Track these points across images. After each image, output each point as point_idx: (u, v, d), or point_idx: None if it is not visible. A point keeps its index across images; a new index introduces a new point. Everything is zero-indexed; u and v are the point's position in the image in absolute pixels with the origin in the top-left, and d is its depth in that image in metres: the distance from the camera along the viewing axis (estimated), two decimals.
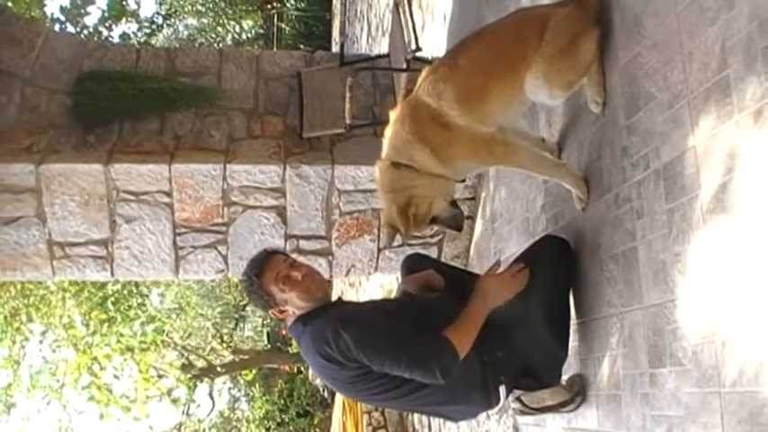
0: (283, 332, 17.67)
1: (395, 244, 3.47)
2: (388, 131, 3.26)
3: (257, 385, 18.26)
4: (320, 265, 5.20)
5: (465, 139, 3.16)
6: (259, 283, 3.05)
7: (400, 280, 3.60)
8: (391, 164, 3.20)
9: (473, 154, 3.23)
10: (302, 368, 15.21)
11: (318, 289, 3.12)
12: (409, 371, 2.83)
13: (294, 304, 3.04)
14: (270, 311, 3.09)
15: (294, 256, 3.80)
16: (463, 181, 4.00)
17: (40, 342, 13.00)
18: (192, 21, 22.77)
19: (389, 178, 3.21)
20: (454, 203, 3.33)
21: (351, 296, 10.92)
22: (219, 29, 22.26)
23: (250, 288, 3.09)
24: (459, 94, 3.10)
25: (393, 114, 3.28)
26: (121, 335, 12.85)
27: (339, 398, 9.55)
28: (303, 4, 18.13)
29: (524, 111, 3.54)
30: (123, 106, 5.31)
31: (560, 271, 3.37)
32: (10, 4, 9.55)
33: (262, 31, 21.30)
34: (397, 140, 3.20)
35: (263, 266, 3.09)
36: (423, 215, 3.22)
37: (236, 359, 18.28)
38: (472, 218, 5.27)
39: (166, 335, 16.12)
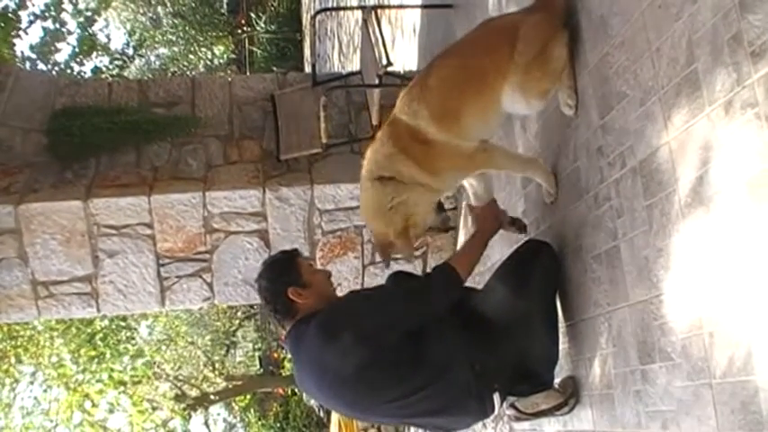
0: (275, 355, 17.62)
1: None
2: (368, 153, 3.18)
3: (252, 410, 18.16)
4: None
5: (447, 154, 3.10)
6: (293, 257, 3.24)
7: None
8: (375, 179, 3.12)
9: (457, 166, 3.19)
10: (296, 390, 15.14)
11: (332, 294, 3.29)
12: (426, 303, 3.04)
13: (315, 291, 3.11)
14: (289, 289, 3.06)
15: None
16: None
17: (31, 383, 12.91)
18: (163, 50, 22.77)
19: (376, 196, 3.12)
20: (440, 206, 3.36)
21: None
22: (191, 56, 22.25)
23: (281, 258, 3.27)
24: (433, 113, 3.04)
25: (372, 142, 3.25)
26: (112, 370, 12.78)
27: (335, 417, 9.51)
28: (273, 27, 18.14)
29: (503, 121, 3.53)
30: (99, 141, 5.30)
31: (546, 275, 3.37)
32: None
33: (234, 55, 21.29)
34: (378, 156, 3.12)
35: (300, 253, 3.36)
36: (421, 230, 3.23)
37: (230, 386, 18.16)
38: (455, 228, 5.27)
39: (158, 366, 16.04)
